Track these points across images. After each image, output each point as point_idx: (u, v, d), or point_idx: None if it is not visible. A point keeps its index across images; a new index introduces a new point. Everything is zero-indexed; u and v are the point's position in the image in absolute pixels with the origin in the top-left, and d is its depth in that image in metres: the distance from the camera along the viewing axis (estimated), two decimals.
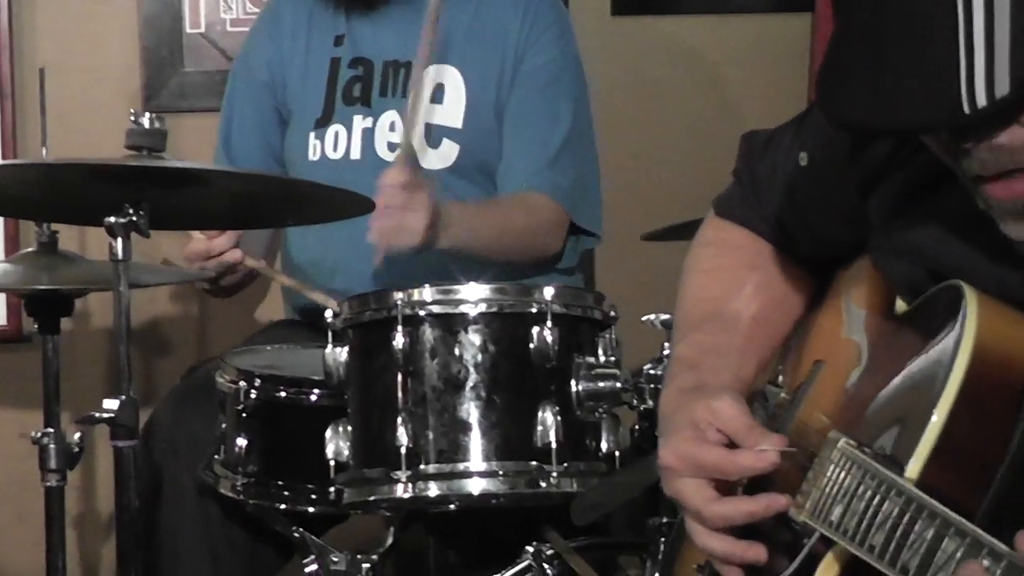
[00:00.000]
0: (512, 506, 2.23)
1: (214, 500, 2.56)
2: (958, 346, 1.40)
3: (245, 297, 3.15)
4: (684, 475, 1.63)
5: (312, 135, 2.96)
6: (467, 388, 2.13)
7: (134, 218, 2.20)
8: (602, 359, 2.21)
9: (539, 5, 2.93)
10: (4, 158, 3.25)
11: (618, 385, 2.19)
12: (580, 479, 2.16)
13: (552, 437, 2.12)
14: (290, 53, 3.02)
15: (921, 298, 1.55)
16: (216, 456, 2.49)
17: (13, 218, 3.24)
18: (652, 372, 2.20)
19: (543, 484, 2.13)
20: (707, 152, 3.38)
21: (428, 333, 2.15)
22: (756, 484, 1.62)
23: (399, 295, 2.16)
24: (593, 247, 3.13)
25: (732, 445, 1.61)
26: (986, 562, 1.27)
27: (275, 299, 3.25)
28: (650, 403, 2.20)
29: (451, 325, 2.15)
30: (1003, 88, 1.24)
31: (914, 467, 1.38)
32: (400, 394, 2.15)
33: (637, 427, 2.30)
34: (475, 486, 2.13)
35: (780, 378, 1.81)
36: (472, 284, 2.17)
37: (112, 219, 2.20)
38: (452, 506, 2.23)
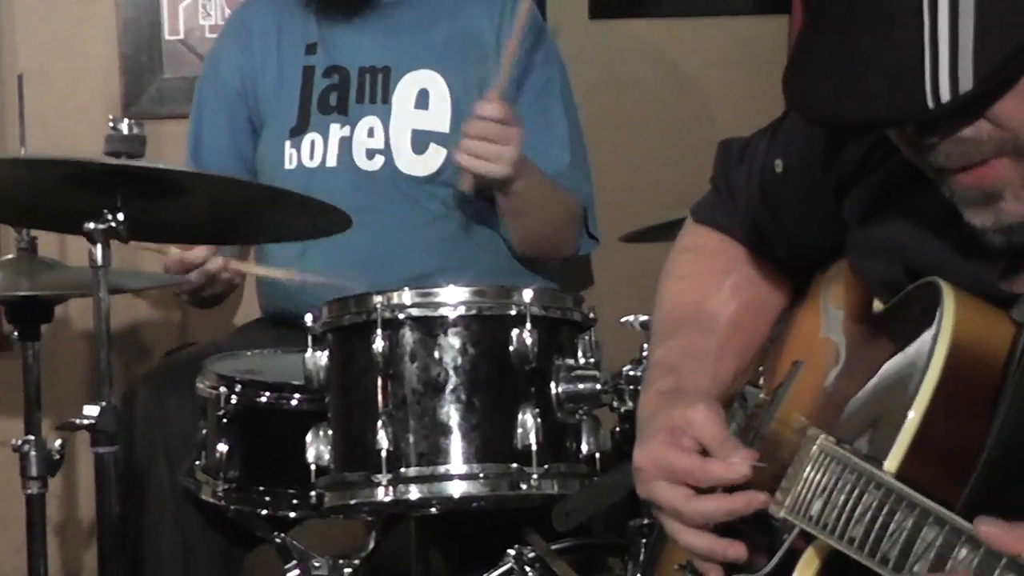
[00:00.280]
0: (493, 508, 2.23)
1: (195, 506, 2.56)
2: (935, 342, 1.41)
3: (225, 302, 3.15)
4: (657, 479, 1.64)
5: (288, 143, 2.96)
6: (447, 391, 2.14)
7: (113, 224, 2.20)
8: (582, 361, 2.21)
9: (510, 5, 2.94)
10: None
11: (598, 387, 2.19)
12: (561, 481, 2.16)
13: (532, 439, 2.12)
14: (261, 61, 3.02)
15: (898, 296, 1.56)
16: (197, 462, 2.49)
17: None
18: (631, 373, 2.21)
19: (524, 486, 2.13)
20: (685, 154, 3.39)
21: (408, 336, 2.15)
22: None
23: (378, 298, 2.16)
24: (588, 252, 3.14)
25: (706, 452, 1.63)
26: (964, 550, 1.29)
27: (253, 302, 3.23)
28: (630, 404, 2.21)
29: (431, 328, 2.15)
30: (967, 83, 1.26)
31: (893, 462, 1.40)
32: (380, 397, 2.15)
33: (618, 429, 2.30)
34: (456, 489, 2.13)
35: (761, 379, 1.81)
36: (451, 287, 2.17)
37: (91, 225, 2.20)
38: (433, 509, 2.22)
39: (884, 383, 1.50)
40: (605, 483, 2.16)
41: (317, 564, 2.46)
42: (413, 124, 2.90)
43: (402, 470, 2.13)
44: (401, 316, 2.15)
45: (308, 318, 2.24)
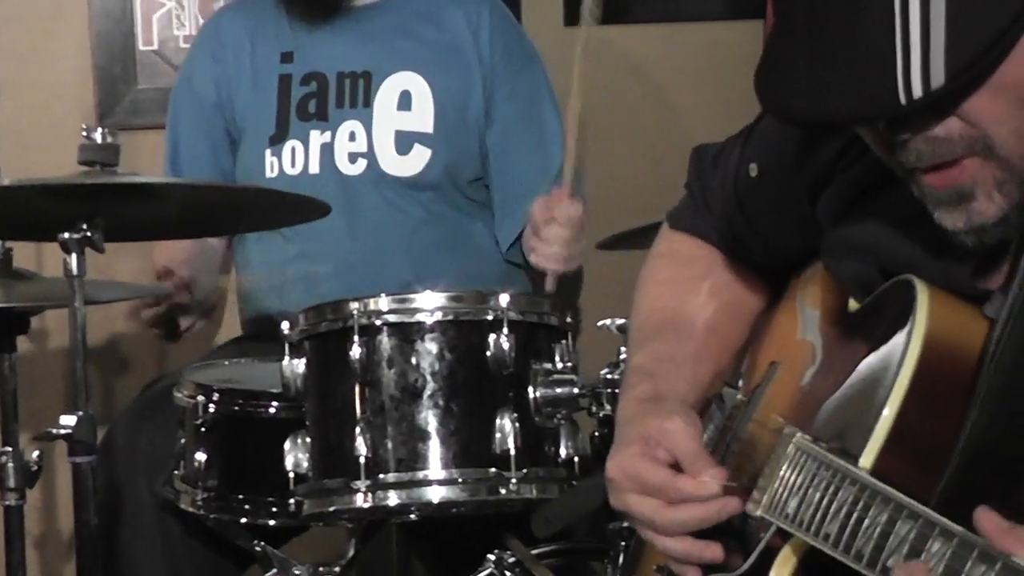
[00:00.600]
0: (472, 513, 2.23)
1: (175, 515, 2.55)
2: (909, 339, 1.42)
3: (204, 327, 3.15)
4: (629, 491, 1.64)
5: (268, 152, 2.96)
6: (425, 396, 2.13)
7: (88, 233, 2.20)
8: (559, 365, 2.21)
9: (486, 16, 2.95)
10: None
11: (575, 391, 2.19)
12: (540, 485, 2.16)
13: (511, 444, 2.12)
14: (236, 72, 3.02)
15: (873, 295, 1.56)
16: (176, 471, 2.48)
17: None
18: (609, 377, 2.21)
19: (503, 491, 2.13)
20: (660, 160, 3.40)
21: (385, 342, 2.15)
22: None
23: (355, 305, 2.16)
24: None
25: (679, 465, 1.63)
26: (937, 543, 1.29)
27: (233, 317, 3.23)
28: (608, 408, 2.21)
29: (408, 334, 2.15)
30: (939, 79, 1.27)
31: (868, 458, 1.40)
32: (358, 404, 2.14)
33: (597, 433, 2.30)
34: (435, 494, 2.13)
35: (740, 381, 1.82)
36: (428, 292, 2.17)
37: (66, 235, 2.20)
38: (412, 515, 2.22)
39: (860, 381, 1.51)
40: (584, 488, 2.15)
41: (297, 572, 2.46)
42: (396, 125, 2.92)
43: (381, 476, 2.13)
44: (378, 322, 2.15)
45: (285, 326, 2.24)
